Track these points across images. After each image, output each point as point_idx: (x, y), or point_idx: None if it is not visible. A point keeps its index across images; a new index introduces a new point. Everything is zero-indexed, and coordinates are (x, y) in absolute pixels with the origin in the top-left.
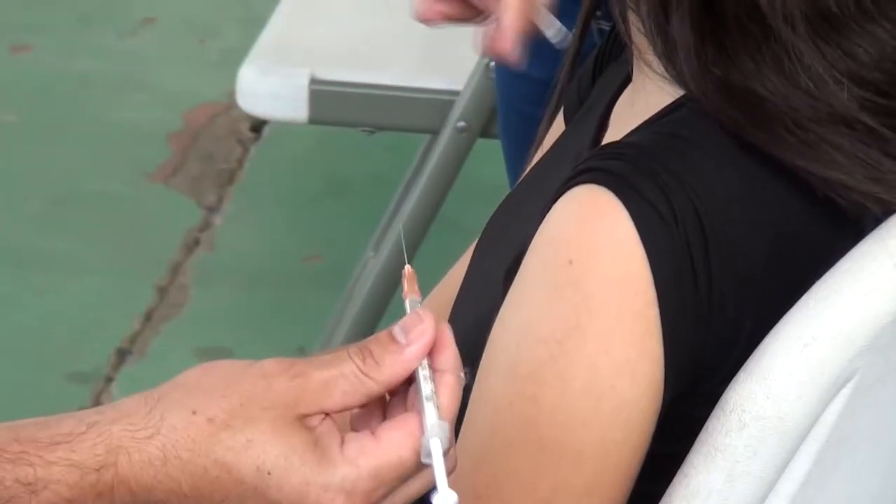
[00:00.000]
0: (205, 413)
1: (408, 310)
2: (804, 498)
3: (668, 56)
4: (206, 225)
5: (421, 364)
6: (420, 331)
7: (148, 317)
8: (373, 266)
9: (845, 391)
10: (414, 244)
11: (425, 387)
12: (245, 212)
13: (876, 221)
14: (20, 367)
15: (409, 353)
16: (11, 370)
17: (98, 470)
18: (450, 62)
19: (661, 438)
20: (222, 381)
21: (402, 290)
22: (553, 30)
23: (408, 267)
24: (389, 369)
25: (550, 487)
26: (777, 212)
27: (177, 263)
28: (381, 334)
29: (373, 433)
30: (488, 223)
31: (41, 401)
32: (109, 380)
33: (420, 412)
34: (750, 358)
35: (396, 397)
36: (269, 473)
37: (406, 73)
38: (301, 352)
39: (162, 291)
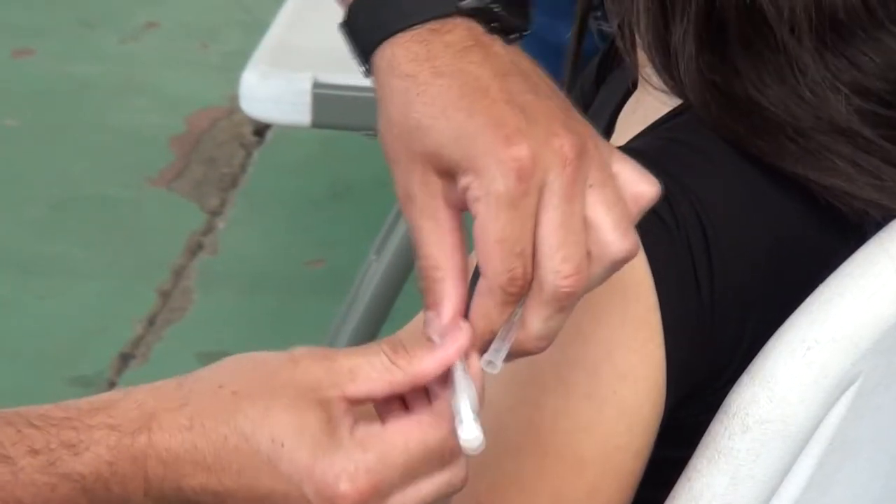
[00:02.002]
0: (230, 386)
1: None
2: (807, 501)
3: (668, 69)
4: (208, 229)
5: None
6: (455, 336)
7: (151, 321)
8: (376, 269)
9: (848, 394)
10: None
11: (461, 376)
12: (248, 216)
13: (877, 225)
14: (22, 372)
15: (441, 350)
16: (13, 375)
17: (133, 433)
18: None
19: (665, 444)
20: (252, 361)
21: (407, 295)
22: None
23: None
24: (419, 362)
25: (551, 493)
26: (778, 215)
27: (180, 267)
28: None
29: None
30: None
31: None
32: (112, 384)
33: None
34: (753, 361)
35: (419, 402)
36: (282, 445)
37: None
38: None
39: (164, 295)
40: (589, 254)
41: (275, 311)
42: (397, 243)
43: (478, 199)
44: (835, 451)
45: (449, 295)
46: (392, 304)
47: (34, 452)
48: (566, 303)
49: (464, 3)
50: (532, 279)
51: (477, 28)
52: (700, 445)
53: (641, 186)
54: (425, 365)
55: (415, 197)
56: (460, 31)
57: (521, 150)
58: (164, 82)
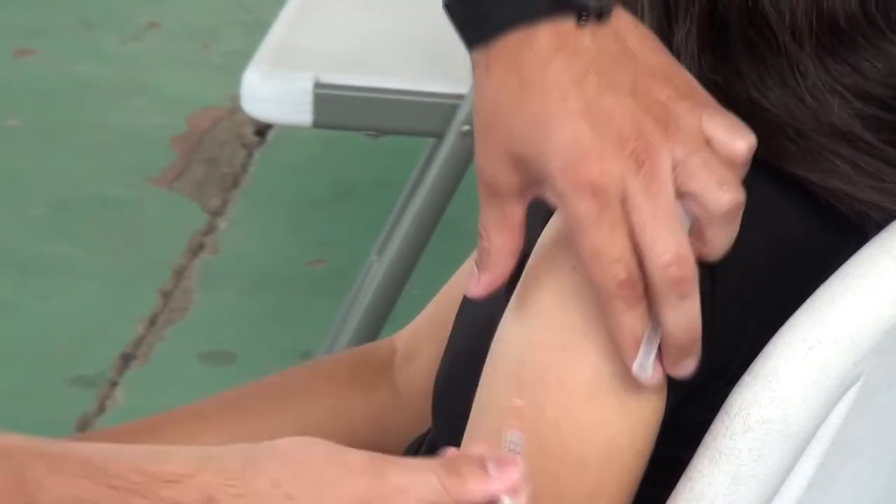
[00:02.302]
0: (285, 487)
1: (505, 441)
2: (809, 501)
3: None
4: (210, 229)
5: None
6: (510, 472)
7: (152, 321)
8: (377, 270)
9: (850, 394)
10: (418, 248)
11: None
12: (249, 216)
13: (878, 227)
14: (24, 372)
15: (492, 484)
16: (15, 375)
17: None
18: (455, 66)
19: (666, 443)
20: (309, 460)
21: (408, 295)
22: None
23: (517, 401)
24: (469, 490)
25: (553, 494)
26: (779, 216)
27: (181, 268)
28: (475, 456)
29: None
30: None
31: (45, 405)
32: (114, 384)
33: None
34: (754, 361)
35: None
36: None
37: (411, 77)
38: (305, 356)
39: (166, 296)
40: (701, 220)
41: (276, 311)
42: (398, 244)
43: (563, 218)
44: (836, 451)
45: (493, 266)
46: (393, 305)
47: None
48: (683, 289)
49: (549, 6)
50: (642, 278)
51: (564, 25)
52: (701, 445)
53: (734, 144)
54: (475, 494)
55: (488, 181)
56: (546, 35)
57: (592, 171)
58: (165, 82)
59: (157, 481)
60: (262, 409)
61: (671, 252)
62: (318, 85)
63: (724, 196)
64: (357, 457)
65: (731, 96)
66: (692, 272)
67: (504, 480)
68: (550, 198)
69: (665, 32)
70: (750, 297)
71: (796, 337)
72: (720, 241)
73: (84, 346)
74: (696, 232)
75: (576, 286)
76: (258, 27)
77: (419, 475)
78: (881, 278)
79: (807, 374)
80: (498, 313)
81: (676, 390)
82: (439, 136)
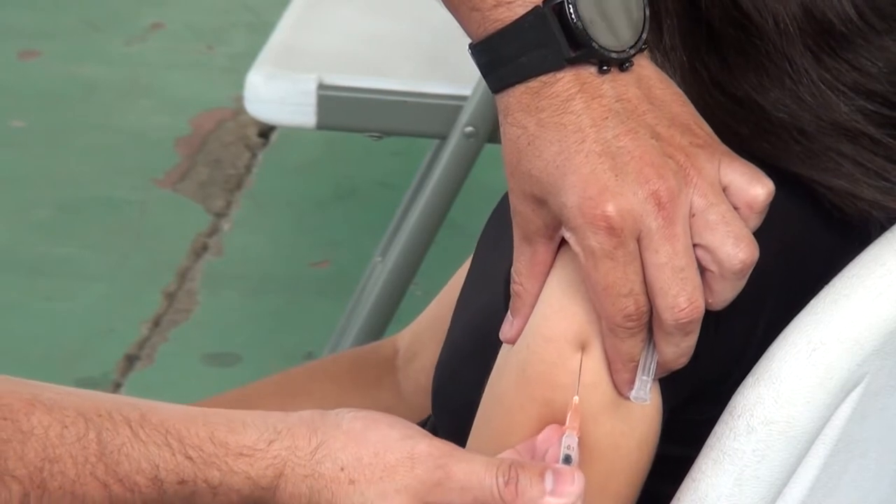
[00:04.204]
0: (350, 473)
1: (562, 444)
2: (812, 502)
3: (670, 74)
4: (213, 230)
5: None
6: (568, 491)
7: (156, 322)
8: (380, 271)
9: (854, 395)
10: (422, 248)
11: None
12: (253, 217)
13: (882, 227)
14: (29, 373)
15: (548, 501)
16: (20, 375)
17: (264, 488)
18: (458, 67)
19: (674, 442)
20: (374, 446)
21: (412, 296)
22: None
23: (576, 399)
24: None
25: None
26: (784, 217)
27: (185, 269)
28: (535, 468)
29: None
30: (493, 213)
31: None
32: (118, 385)
33: None
34: (758, 362)
35: None
36: None
37: (414, 79)
38: (309, 357)
39: (170, 297)
40: (712, 273)
41: (280, 313)
42: (402, 244)
43: (577, 253)
44: (840, 452)
45: (525, 309)
46: (397, 306)
47: (182, 482)
48: (689, 328)
49: (572, 55)
50: (649, 309)
51: (585, 72)
52: (705, 446)
53: (753, 190)
54: None
55: (519, 224)
56: (567, 81)
57: (608, 209)
58: (170, 84)
59: (230, 453)
60: (264, 409)
61: (684, 297)
62: (321, 86)
63: (739, 254)
64: (424, 446)
65: (733, 98)
66: (701, 316)
67: (561, 497)
68: (566, 235)
69: (658, 35)
70: (759, 301)
71: (800, 338)
72: (727, 294)
73: (88, 348)
74: (704, 281)
75: (580, 282)
76: (262, 29)
77: (480, 476)
78: (885, 279)
79: (810, 375)
80: (499, 307)
81: (678, 390)
82: (442, 137)
